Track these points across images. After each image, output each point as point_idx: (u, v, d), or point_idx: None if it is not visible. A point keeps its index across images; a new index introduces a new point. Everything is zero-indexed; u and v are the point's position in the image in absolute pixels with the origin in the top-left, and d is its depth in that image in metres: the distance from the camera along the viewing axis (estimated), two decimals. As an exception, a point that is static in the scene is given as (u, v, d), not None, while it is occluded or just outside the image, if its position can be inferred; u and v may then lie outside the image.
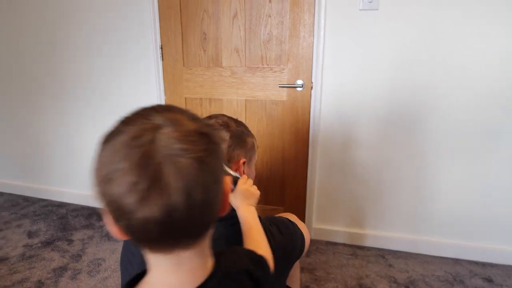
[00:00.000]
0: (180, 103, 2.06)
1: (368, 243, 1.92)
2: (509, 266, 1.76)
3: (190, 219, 0.41)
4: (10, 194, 2.61)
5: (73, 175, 2.44)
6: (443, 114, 1.67)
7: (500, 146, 1.65)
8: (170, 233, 0.42)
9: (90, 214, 2.31)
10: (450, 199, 1.78)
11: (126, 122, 0.44)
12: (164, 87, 2.06)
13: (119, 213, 0.41)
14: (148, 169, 0.39)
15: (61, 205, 2.45)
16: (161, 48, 1.99)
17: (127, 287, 0.49)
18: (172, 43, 1.97)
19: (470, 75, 1.60)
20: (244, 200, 0.81)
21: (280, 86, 1.84)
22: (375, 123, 1.76)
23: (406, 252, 1.87)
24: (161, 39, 1.98)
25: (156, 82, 2.05)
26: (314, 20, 1.72)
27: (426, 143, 1.73)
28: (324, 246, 1.94)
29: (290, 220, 0.93)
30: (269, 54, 1.84)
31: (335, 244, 1.95)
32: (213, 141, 0.44)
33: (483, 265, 1.77)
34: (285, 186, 2.02)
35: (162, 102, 2.08)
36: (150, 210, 0.39)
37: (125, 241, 0.85)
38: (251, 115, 1.95)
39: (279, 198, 2.05)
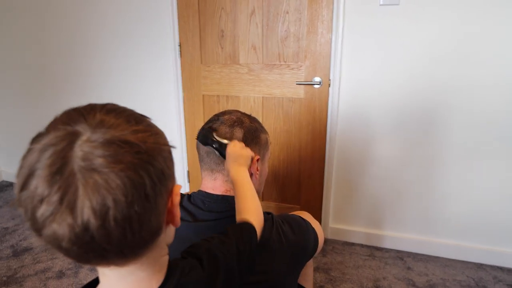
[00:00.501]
0: (197, 101, 2.07)
1: (386, 244, 1.88)
2: (537, 273, 1.67)
3: (109, 239, 0.37)
4: (36, 188, 2.71)
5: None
6: (465, 114, 1.60)
7: (529, 147, 1.58)
8: (90, 252, 0.38)
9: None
10: (474, 201, 1.71)
11: (51, 124, 0.40)
12: (182, 84, 2.08)
13: (34, 226, 0.37)
14: (60, 181, 0.35)
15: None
16: (180, 45, 2.01)
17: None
18: (190, 41, 1.99)
19: (495, 75, 1.53)
20: (233, 162, 0.79)
21: (297, 84, 1.82)
22: (394, 122, 1.71)
23: (426, 255, 1.81)
24: (179, 37, 2.00)
25: (175, 79, 2.07)
26: (332, 16, 1.69)
27: (448, 143, 1.67)
28: (340, 246, 1.91)
29: (303, 219, 0.91)
30: (287, 51, 1.82)
31: (352, 244, 1.92)
32: (144, 151, 0.39)
33: (509, 271, 1.69)
34: (301, 184, 2.00)
35: (180, 100, 2.10)
36: (58, 227, 0.35)
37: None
38: (268, 112, 1.94)
39: (295, 197, 2.04)
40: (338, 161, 1.87)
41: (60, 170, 0.36)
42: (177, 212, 0.47)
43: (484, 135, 1.61)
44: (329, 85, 1.78)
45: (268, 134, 0.95)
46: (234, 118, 0.87)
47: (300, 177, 1.99)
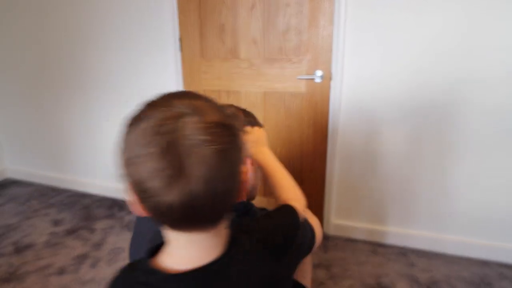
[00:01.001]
0: (198, 96, 2.06)
1: (390, 240, 1.85)
2: (543, 269, 1.64)
3: (209, 206, 0.45)
4: (40, 184, 2.72)
5: (97, 166, 2.51)
6: (469, 109, 1.57)
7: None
8: (190, 217, 0.46)
9: (112, 205, 2.37)
10: (479, 196, 1.67)
11: (151, 107, 0.46)
12: (183, 79, 2.06)
13: (144, 194, 0.44)
14: (173, 157, 0.41)
15: (86, 195, 2.53)
16: (180, 40, 2.00)
17: (149, 253, 0.53)
18: (191, 35, 1.97)
19: (500, 69, 1.49)
20: (254, 146, 0.82)
21: (298, 78, 1.80)
22: (397, 116, 1.68)
23: (430, 251, 1.79)
24: (180, 32, 1.98)
25: (175, 74, 2.05)
26: (334, 8, 1.65)
27: (453, 139, 1.63)
28: (343, 242, 1.88)
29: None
30: (288, 45, 1.79)
31: (354, 240, 1.90)
32: (234, 132, 0.47)
33: (515, 267, 1.66)
34: (303, 180, 1.97)
35: (181, 95, 2.09)
36: (173, 196, 0.42)
37: (133, 233, 0.86)
38: (270, 107, 1.91)
39: (297, 192, 2.02)
40: (340, 156, 1.84)
41: (171, 147, 0.41)
42: (244, 188, 0.53)
43: (487, 130, 1.57)
44: (331, 79, 1.75)
45: (263, 128, 0.94)
46: (228, 112, 0.85)
47: (302, 173, 1.96)
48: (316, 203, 1.97)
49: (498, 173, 1.62)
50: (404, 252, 1.78)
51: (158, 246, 0.54)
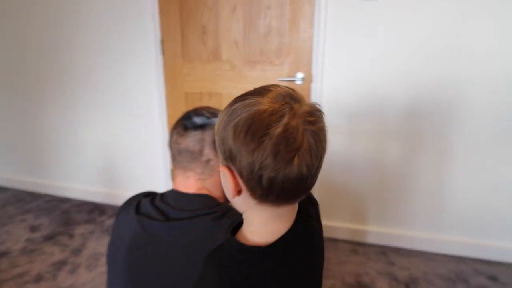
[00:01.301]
0: (180, 98, 2.04)
1: (370, 239, 1.89)
2: (515, 264, 1.70)
3: (312, 178, 0.51)
4: (16, 190, 2.64)
5: (76, 170, 2.45)
6: (448, 110, 1.62)
7: (508, 141, 1.60)
8: (296, 189, 0.51)
9: (92, 209, 2.32)
10: (455, 195, 1.73)
11: (259, 94, 0.51)
12: (165, 81, 2.05)
13: (260, 171, 0.49)
14: (293, 135, 0.47)
15: (65, 200, 2.47)
16: (161, 42, 1.98)
17: (231, 231, 0.59)
18: (172, 37, 1.96)
19: (492, 70, 1.54)
20: None
21: (279, 80, 1.81)
22: (377, 117, 1.72)
23: (409, 249, 1.83)
24: (161, 34, 1.97)
25: (156, 76, 2.04)
26: (314, 11, 1.68)
27: (430, 139, 1.68)
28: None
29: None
30: (269, 47, 1.81)
31: (335, 240, 1.92)
32: (323, 117, 0.54)
33: (489, 263, 1.72)
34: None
35: (163, 97, 2.07)
36: (292, 169, 0.48)
37: (111, 236, 0.84)
38: (251, 109, 1.92)
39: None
40: (321, 157, 1.86)
41: (290, 129, 0.48)
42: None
43: (463, 130, 1.63)
44: (311, 81, 1.77)
45: None
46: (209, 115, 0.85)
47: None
48: (299, 204, 1.98)
49: (472, 173, 1.68)
50: (383, 251, 1.81)
51: (236, 227, 0.61)
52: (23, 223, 2.14)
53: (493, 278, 1.60)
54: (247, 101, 0.50)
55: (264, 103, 0.49)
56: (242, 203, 0.56)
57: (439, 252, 1.81)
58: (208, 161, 0.82)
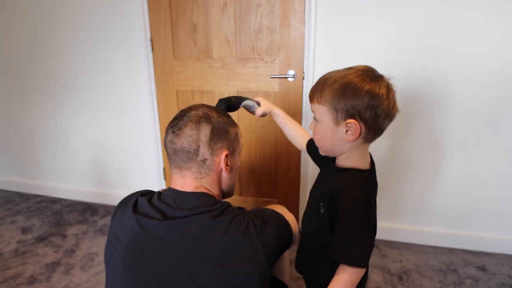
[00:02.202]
0: (171, 96, 2.03)
1: (363, 233, 1.91)
2: (502, 254, 1.75)
3: None
4: (5, 191, 2.60)
5: (67, 170, 2.43)
6: (443, 103, 1.65)
7: (497, 138, 1.63)
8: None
9: (84, 209, 2.31)
10: (443, 189, 1.77)
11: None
12: (155, 80, 2.03)
13: (383, 113, 0.75)
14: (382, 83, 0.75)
15: (56, 200, 2.44)
16: (151, 40, 1.96)
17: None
18: (162, 35, 1.94)
19: (471, 66, 1.57)
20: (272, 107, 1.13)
21: (271, 77, 1.82)
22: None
23: (401, 242, 1.87)
24: (150, 32, 1.95)
25: (147, 75, 2.02)
26: (305, 8, 1.68)
27: (421, 134, 1.71)
28: (318, 237, 1.93)
29: (275, 211, 0.91)
30: (260, 45, 1.81)
31: (329, 235, 1.94)
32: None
33: (477, 254, 1.76)
34: (278, 178, 2.00)
35: (154, 96, 2.06)
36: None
37: (108, 236, 0.84)
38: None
39: (272, 190, 2.04)
40: (314, 153, 1.88)
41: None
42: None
43: (451, 125, 1.66)
44: (303, 78, 1.78)
45: (238, 127, 0.94)
46: (201, 113, 0.85)
47: (277, 171, 1.99)
48: (292, 200, 2.00)
49: (458, 166, 1.71)
50: (376, 245, 1.84)
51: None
52: (13, 224, 2.11)
53: (482, 269, 1.65)
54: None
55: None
56: (351, 145, 0.78)
57: (430, 244, 1.85)
58: (204, 160, 0.83)
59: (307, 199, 0.96)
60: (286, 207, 1.06)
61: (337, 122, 0.75)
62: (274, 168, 1.99)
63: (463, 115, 1.64)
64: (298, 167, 1.94)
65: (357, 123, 0.73)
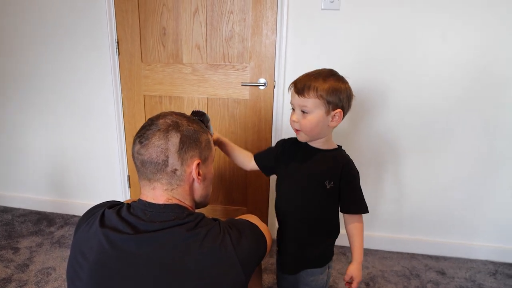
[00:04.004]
0: (138, 101, 1.96)
1: (330, 241, 1.94)
2: (460, 258, 1.85)
3: None
4: None
5: (19, 177, 2.25)
6: (406, 113, 1.72)
7: (453, 146, 1.73)
8: None
9: (39, 219, 2.15)
10: (406, 197, 1.84)
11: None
12: (121, 83, 1.95)
13: (351, 103, 1.01)
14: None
15: (6, 210, 2.26)
16: (117, 42, 1.89)
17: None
18: (129, 38, 1.87)
19: (428, 75, 1.66)
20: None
21: (242, 85, 1.81)
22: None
23: (366, 249, 1.91)
24: (117, 33, 1.88)
25: (112, 78, 1.93)
26: (277, 18, 1.70)
27: (386, 141, 1.78)
28: (287, 245, 1.93)
29: (250, 222, 0.90)
30: (231, 52, 1.80)
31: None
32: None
33: (437, 258, 1.85)
34: (248, 186, 1.99)
35: (119, 100, 1.97)
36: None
37: (72, 252, 0.78)
38: (213, 114, 1.89)
39: (242, 199, 2.02)
40: (283, 161, 1.89)
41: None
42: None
43: (412, 132, 1.74)
44: (274, 86, 1.79)
45: (209, 134, 0.91)
46: (169, 121, 0.80)
47: (247, 179, 1.98)
48: (262, 209, 1.99)
49: (422, 175, 1.80)
50: (343, 252, 1.88)
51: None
52: (-44, 238, 1.92)
53: (442, 273, 1.73)
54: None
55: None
56: (330, 130, 1.02)
57: (393, 250, 1.91)
58: (174, 171, 0.79)
59: (280, 187, 1.11)
60: (256, 216, 1.05)
61: (327, 112, 0.96)
62: (244, 176, 1.97)
63: (423, 122, 1.73)
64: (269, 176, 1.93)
65: (341, 112, 0.98)
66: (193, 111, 1.00)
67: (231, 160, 1.23)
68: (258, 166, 1.19)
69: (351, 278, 1.06)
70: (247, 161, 1.20)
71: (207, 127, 1.00)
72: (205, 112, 1.05)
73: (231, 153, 1.21)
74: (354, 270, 1.05)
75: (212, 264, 0.72)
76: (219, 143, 1.19)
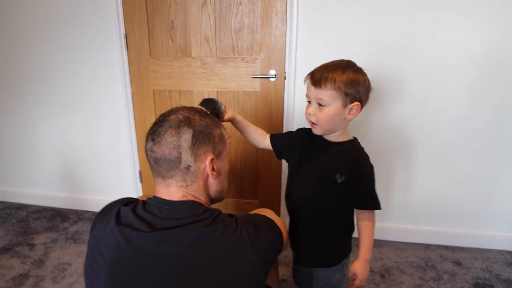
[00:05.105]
0: (148, 96, 1.95)
1: (343, 233, 1.93)
2: (475, 248, 1.83)
3: None
4: (-38, 197, 2.40)
5: (33, 174, 2.28)
6: (419, 104, 1.69)
7: (468, 138, 1.70)
8: None
9: (53, 216, 2.17)
10: (420, 189, 1.82)
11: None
12: (130, 79, 1.94)
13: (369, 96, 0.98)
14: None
15: (21, 207, 2.28)
16: (126, 37, 1.87)
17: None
18: (138, 32, 1.86)
19: (445, 67, 1.62)
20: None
21: (252, 77, 1.79)
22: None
23: (380, 240, 1.90)
24: (125, 28, 1.86)
25: (121, 74, 1.93)
26: (286, 8, 1.67)
27: (399, 132, 1.75)
28: (300, 238, 1.92)
29: (267, 217, 0.89)
30: (241, 44, 1.77)
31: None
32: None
33: (453, 249, 1.83)
34: (259, 179, 1.98)
35: (129, 95, 1.97)
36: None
37: (88, 250, 0.78)
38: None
39: (253, 192, 2.02)
40: (295, 154, 1.87)
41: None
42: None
43: (426, 124, 1.71)
44: (285, 78, 1.77)
45: (223, 128, 0.89)
46: (181, 117, 0.79)
47: (258, 172, 1.97)
48: (273, 202, 1.99)
49: (437, 165, 1.77)
50: (356, 243, 1.86)
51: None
52: (-27, 235, 1.95)
53: (458, 263, 1.71)
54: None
55: None
56: (347, 123, 0.99)
57: (407, 241, 1.89)
58: (188, 167, 0.78)
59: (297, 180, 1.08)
60: (270, 209, 1.04)
61: (345, 105, 0.93)
62: (255, 169, 1.96)
63: (439, 115, 1.69)
64: (280, 167, 1.93)
65: (359, 104, 0.94)
66: (203, 99, 0.99)
67: (245, 139, 1.21)
68: (272, 146, 1.16)
69: (355, 275, 1.03)
70: (262, 139, 1.18)
71: (219, 112, 1.02)
72: (214, 98, 1.02)
73: (245, 130, 1.18)
74: (358, 267, 1.03)
75: (230, 260, 0.71)
76: (233, 121, 1.15)
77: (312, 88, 0.95)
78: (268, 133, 1.20)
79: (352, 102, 0.93)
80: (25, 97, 2.11)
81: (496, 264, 1.71)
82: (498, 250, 1.81)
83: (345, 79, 0.91)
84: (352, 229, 1.09)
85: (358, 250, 1.03)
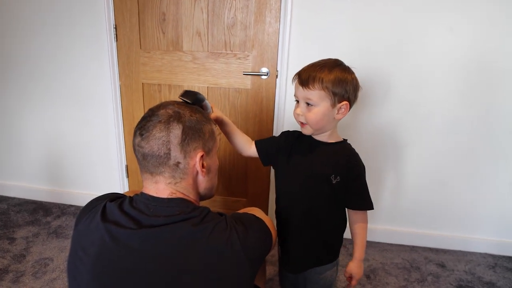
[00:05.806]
0: (136, 89, 1.91)
1: (330, 233, 1.94)
2: (459, 251, 1.86)
3: None
4: None
5: (15, 166, 2.21)
6: (407, 107, 1.70)
7: (455, 142, 1.72)
8: None
9: (35, 209, 2.11)
10: (407, 191, 1.83)
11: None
12: (119, 71, 1.90)
13: (357, 95, 0.98)
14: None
15: (2, 199, 2.22)
16: (115, 28, 1.83)
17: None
18: (128, 23, 1.81)
19: (430, 68, 1.63)
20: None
21: (244, 74, 1.77)
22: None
23: (366, 241, 1.90)
24: (115, 18, 1.82)
25: (110, 65, 1.88)
26: (280, 5, 1.65)
27: (387, 135, 1.75)
28: (287, 237, 1.92)
29: (256, 217, 0.87)
30: (233, 40, 1.75)
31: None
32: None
33: (437, 251, 1.85)
34: (248, 177, 1.96)
35: (117, 87, 1.92)
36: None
37: (72, 245, 0.75)
38: (214, 103, 1.85)
39: (242, 190, 2.00)
40: (285, 153, 1.86)
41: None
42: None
43: (413, 125, 1.72)
44: (277, 76, 1.75)
45: (214, 124, 0.87)
46: (171, 112, 0.77)
47: (247, 170, 1.95)
48: (261, 200, 1.98)
49: (423, 168, 1.78)
50: (344, 244, 1.87)
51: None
52: (-49, 227, 1.88)
53: (442, 265, 1.73)
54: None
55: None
56: (336, 123, 0.98)
57: (393, 242, 1.91)
58: (177, 164, 0.75)
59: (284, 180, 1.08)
60: (259, 208, 1.03)
61: (333, 105, 0.93)
62: (244, 167, 1.95)
63: (427, 118, 1.70)
64: (269, 167, 1.91)
65: (348, 104, 0.94)
66: (184, 90, 0.91)
67: (231, 145, 1.15)
68: (258, 154, 1.12)
69: (351, 275, 1.05)
70: (247, 147, 1.13)
71: (202, 106, 0.92)
72: (198, 91, 0.94)
73: (231, 135, 1.12)
74: (354, 267, 1.04)
75: (218, 260, 0.69)
76: (219, 122, 1.08)
77: (300, 88, 0.94)
78: (257, 135, 1.17)
79: (340, 102, 0.93)
80: (8, 86, 2.04)
81: (478, 267, 1.74)
82: (480, 253, 1.85)
83: (332, 78, 0.91)
84: (345, 224, 1.09)
85: (352, 251, 1.04)
